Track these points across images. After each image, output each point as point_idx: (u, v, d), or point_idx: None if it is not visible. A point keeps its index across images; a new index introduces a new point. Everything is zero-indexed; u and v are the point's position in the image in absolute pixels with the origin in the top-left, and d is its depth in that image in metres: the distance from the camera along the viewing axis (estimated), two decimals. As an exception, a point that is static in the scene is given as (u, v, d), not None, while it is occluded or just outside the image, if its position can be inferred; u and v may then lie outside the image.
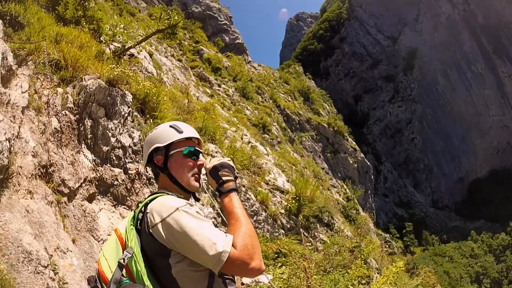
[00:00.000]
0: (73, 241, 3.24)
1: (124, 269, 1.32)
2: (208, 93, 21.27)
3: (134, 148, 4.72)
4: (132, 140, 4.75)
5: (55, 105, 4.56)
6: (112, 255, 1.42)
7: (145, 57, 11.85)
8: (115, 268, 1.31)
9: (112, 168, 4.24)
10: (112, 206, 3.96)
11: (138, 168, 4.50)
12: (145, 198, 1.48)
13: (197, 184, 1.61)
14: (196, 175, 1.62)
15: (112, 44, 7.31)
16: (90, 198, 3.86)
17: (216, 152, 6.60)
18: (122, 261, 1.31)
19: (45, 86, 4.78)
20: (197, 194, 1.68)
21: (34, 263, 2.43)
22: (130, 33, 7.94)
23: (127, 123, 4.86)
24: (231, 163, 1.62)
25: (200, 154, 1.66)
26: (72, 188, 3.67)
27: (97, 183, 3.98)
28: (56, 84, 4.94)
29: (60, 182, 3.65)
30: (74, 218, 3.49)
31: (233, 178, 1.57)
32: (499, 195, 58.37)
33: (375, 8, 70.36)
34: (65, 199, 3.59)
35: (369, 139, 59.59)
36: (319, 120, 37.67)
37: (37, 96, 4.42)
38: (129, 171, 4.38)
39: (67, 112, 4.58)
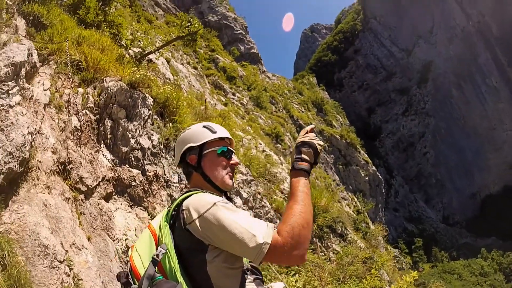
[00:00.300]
0: (88, 238, 3.20)
1: (157, 265, 1.31)
2: (222, 101, 21.37)
3: (153, 150, 4.70)
4: (151, 142, 4.73)
5: (76, 104, 4.60)
6: (145, 250, 1.40)
7: (162, 63, 11.99)
8: (148, 263, 1.31)
9: (130, 169, 4.22)
10: (128, 206, 3.92)
11: (156, 171, 4.46)
12: (180, 196, 1.49)
13: (230, 182, 1.62)
14: (230, 174, 1.64)
15: (131, 49, 7.42)
16: (107, 197, 3.83)
17: None
18: (156, 257, 1.30)
19: (66, 86, 4.84)
20: (229, 194, 1.68)
21: (50, 258, 2.38)
22: (149, 39, 8.07)
23: (147, 126, 4.86)
24: (315, 143, 1.49)
25: (233, 153, 1.68)
26: (89, 186, 3.65)
27: (114, 182, 3.96)
28: (77, 84, 5.00)
29: (78, 180, 3.64)
30: (90, 216, 3.46)
31: (310, 160, 1.46)
32: (509, 213, 56.52)
33: (389, 20, 70.08)
34: (82, 196, 3.57)
35: (381, 152, 58.78)
36: (332, 132, 37.40)
37: (58, 94, 4.46)
38: (147, 173, 4.35)
39: (87, 112, 4.60)
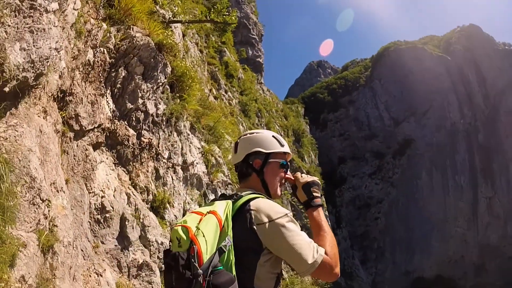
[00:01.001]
0: (66, 181, 2.90)
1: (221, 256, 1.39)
2: (213, 94, 21.20)
3: (156, 119, 4.47)
4: (156, 110, 4.51)
5: (96, 38, 4.27)
6: (210, 237, 1.43)
7: (179, 34, 11.72)
8: (214, 252, 1.36)
9: (128, 128, 3.97)
10: (113, 163, 3.65)
11: (151, 140, 4.23)
12: (239, 193, 1.60)
13: (280, 193, 1.81)
14: (281, 186, 1.82)
15: (164, 9, 7.15)
16: (96, 146, 3.54)
17: (219, 157, 6.46)
18: (224, 247, 1.37)
19: (91, 14, 4.51)
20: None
21: (34, 192, 2.09)
22: (185, 7, 7.84)
23: (158, 92, 4.63)
24: (319, 182, 1.86)
25: (289, 168, 1.85)
26: (84, 127, 3.35)
27: (108, 134, 3.68)
28: (102, 18, 4.68)
29: (74, 116, 3.33)
30: (74, 159, 3.16)
31: (320, 195, 1.79)
32: None
33: (392, 87, 73.40)
34: (71, 134, 3.26)
35: (337, 202, 60.35)
36: (301, 165, 37.98)
37: (83, 20, 4.14)
38: (142, 138, 4.12)
39: (105, 51, 4.29)
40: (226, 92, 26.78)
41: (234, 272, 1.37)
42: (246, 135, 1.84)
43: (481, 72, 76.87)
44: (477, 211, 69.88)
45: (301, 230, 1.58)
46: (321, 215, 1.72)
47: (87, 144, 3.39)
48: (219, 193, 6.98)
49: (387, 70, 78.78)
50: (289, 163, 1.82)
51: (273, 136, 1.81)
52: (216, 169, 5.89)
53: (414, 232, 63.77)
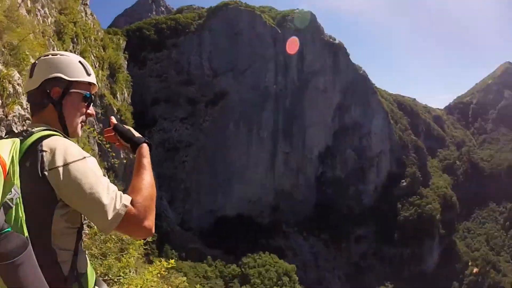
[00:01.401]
0: None
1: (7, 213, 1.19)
2: (26, 6, 23.53)
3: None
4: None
5: None
6: None
7: None
8: None
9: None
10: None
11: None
12: (30, 129, 1.47)
13: (80, 132, 1.73)
14: (83, 123, 1.75)
15: None
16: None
17: (18, 84, 5.50)
18: (10, 201, 1.21)
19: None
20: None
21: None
22: None
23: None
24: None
25: (92, 103, 1.75)
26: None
27: None
28: None
29: None
30: None
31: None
32: (240, 235, 76.59)
33: (220, 41, 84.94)
34: None
35: None
36: (112, 102, 43.18)
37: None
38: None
39: None
40: (43, 7, 29.12)
41: (26, 233, 1.21)
42: (48, 56, 1.66)
43: (303, 52, 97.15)
44: (275, 162, 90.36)
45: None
46: (145, 152, 1.73)
47: None
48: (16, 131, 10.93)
49: (219, 24, 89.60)
50: (93, 97, 1.73)
51: (80, 61, 1.67)
52: (13, 99, 5.11)
53: (219, 176, 78.50)
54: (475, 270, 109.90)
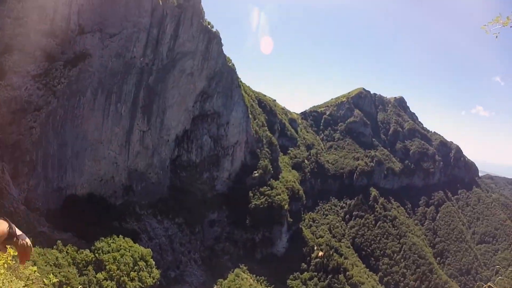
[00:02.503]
0: None
1: None
2: None
3: None
4: None
5: None
6: None
7: None
8: None
9: None
10: None
11: None
12: None
13: None
14: None
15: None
16: None
17: None
18: None
19: None
20: None
21: None
22: None
23: None
24: None
25: None
26: None
27: None
28: None
29: None
30: None
31: None
32: (91, 217, 73.73)
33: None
34: None
35: None
36: None
37: None
38: None
39: None
40: None
41: None
42: None
43: (178, 31, 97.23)
44: (130, 140, 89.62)
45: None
46: None
47: None
48: None
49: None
50: None
51: None
52: None
53: (68, 149, 73.84)
54: (320, 253, 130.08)
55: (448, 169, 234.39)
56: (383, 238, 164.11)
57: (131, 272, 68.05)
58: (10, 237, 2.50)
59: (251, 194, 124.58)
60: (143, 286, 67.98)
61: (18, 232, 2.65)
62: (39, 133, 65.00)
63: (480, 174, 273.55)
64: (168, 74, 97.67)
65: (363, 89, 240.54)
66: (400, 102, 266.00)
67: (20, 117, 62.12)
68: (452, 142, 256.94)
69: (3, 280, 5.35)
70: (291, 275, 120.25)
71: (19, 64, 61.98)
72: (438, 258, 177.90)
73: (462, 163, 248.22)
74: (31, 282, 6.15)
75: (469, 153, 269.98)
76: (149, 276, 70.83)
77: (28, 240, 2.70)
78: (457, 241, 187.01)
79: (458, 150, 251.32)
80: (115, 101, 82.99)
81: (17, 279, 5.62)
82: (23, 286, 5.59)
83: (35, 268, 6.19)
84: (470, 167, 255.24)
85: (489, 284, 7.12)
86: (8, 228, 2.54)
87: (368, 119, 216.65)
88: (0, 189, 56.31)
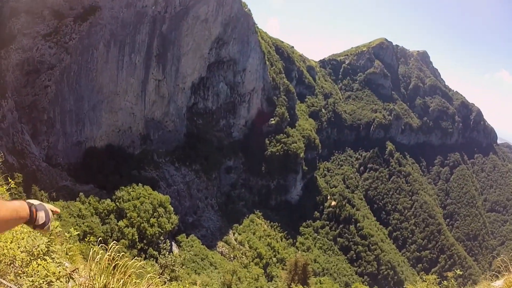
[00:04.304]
0: None
1: None
2: None
3: None
4: None
5: None
6: None
7: None
8: None
9: None
10: None
11: None
12: None
13: None
14: None
15: None
16: None
17: None
18: None
19: None
20: None
21: None
22: None
23: None
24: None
25: None
26: None
27: None
28: None
29: None
30: None
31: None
32: (110, 167, 76.73)
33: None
34: None
35: (2, 66, 58.30)
36: None
37: None
38: None
39: None
40: None
41: None
42: None
43: None
44: (145, 89, 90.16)
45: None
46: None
47: None
48: None
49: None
50: None
51: None
52: None
53: (84, 103, 74.69)
54: (333, 203, 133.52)
55: (466, 131, 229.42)
56: (395, 193, 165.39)
57: (151, 219, 70.78)
58: (30, 221, 2.95)
59: (267, 142, 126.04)
60: (162, 231, 71.42)
61: (39, 207, 3.11)
62: (54, 91, 66.03)
63: (498, 142, 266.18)
64: (182, 21, 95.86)
65: (385, 39, 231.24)
66: (423, 57, 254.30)
67: (34, 78, 62.87)
68: (473, 104, 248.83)
69: (27, 237, 5.63)
70: (304, 223, 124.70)
71: (28, 26, 61.67)
72: (447, 220, 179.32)
73: (482, 127, 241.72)
74: (54, 236, 6.53)
75: (489, 118, 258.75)
76: (168, 222, 74.19)
77: (47, 209, 3.22)
78: (468, 206, 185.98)
79: (479, 113, 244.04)
80: (129, 52, 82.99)
81: (41, 235, 5.90)
82: (47, 242, 5.89)
83: (58, 223, 6.58)
84: (490, 132, 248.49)
85: (502, 257, 7.22)
86: (28, 213, 2.94)
87: (388, 71, 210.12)
88: (21, 150, 58.08)
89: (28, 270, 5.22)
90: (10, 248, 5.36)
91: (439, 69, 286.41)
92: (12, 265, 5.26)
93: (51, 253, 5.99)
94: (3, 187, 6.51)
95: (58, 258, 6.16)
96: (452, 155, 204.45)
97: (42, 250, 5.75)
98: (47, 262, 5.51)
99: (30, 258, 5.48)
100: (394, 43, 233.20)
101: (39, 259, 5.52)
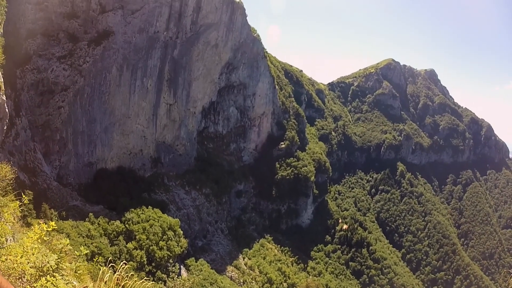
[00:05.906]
0: None
1: None
2: None
3: None
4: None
5: None
6: None
7: None
8: None
9: None
10: None
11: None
12: None
13: None
14: None
15: None
16: None
17: None
18: None
19: None
20: None
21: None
22: None
23: None
24: None
25: None
26: None
27: None
28: None
29: None
30: None
31: None
32: (121, 189, 77.10)
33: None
34: None
35: (18, 85, 59.76)
36: None
37: None
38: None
39: None
40: None
41: None
42: None
43: (201, 3, 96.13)
44: (157, 113, 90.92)
45: None
46: None
47: None
48: None
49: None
50: None
51: None
52: None
53: (96, 125, 75.74)
54: (345, 226, 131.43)
55: (478, 148, 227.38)
56: (408, 215, 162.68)
57: (160, 242, 70.50)
58: None
59: (277, 165, 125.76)
60: (171, 254, 70.87)
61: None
62: (67, 112, 67.22)
63: (511, 156, 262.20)
64: (193, 46, 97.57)
65: (393, 60, 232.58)
66: (431, 75, 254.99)
67: (48, 98, 64.28)
68: (483, 119, 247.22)
69: (37, 253, 5.65)
70: (315, 247, 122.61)
71: (43, 47, 63.40)
72: (462, 239, 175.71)
73: (493, 142, 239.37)
74: (64, 254, 6.60)
75: (500, 132, 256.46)
76: (177, 245, 73.61)
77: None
78: (482, 224, 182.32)
79: (489, 128, 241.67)
80: (141, 76, 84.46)
81: (50, 252, 5.94)
82: (57, 259, 5.91)
83: (67, 241, 6.74)
84: (501, 147, 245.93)
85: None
86: None
87: (397, 92, 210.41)
88: (33, 168, 58.70)
89: (37, 285, 5.19)
90: (20, 262, 5.37)
91: (448, 85, 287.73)
92: (21, 279, 5.24)
93: (60, 270, 6.00)
94: (16, 202, 6.65)
95: (67, 276, 6.19)
96: (464, 172, 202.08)
97: (51, 267, 5.75)
98: (56, 279, 5.49)
99: (39, 274, 5.49)
100: (401, 63, 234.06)
101: (48, 276, 5.51)
